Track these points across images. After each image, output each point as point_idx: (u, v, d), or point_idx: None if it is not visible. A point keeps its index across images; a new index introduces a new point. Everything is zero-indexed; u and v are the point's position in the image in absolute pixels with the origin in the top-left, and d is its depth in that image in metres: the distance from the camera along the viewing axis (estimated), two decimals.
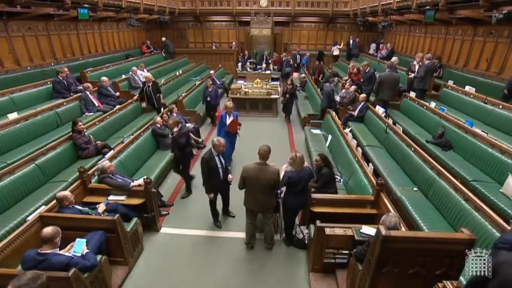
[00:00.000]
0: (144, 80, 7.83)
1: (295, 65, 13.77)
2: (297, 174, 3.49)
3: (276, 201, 3.70)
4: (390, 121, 6.03)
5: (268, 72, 11.79)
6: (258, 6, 14.31)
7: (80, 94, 6.79)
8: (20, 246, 2.87)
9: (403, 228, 2.90)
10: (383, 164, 4.94)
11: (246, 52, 14.58)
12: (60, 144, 4.78)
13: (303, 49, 14.88)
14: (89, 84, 6.92)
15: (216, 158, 3.84)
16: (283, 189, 3.64)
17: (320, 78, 11.06)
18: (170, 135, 5.95)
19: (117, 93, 7.58)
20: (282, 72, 13.05)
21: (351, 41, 13.67)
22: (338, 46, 13.80)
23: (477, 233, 2.88)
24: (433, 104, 6.26)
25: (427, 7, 7.69)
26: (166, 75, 10.73)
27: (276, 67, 12.73)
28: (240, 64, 13.33)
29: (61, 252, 2.72)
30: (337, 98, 8.40)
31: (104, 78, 7.30)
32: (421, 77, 6.76)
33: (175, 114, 6.68)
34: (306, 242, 3.76)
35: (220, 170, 3.91)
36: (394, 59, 7.31)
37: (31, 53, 7.83)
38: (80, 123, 5.00)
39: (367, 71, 8.02)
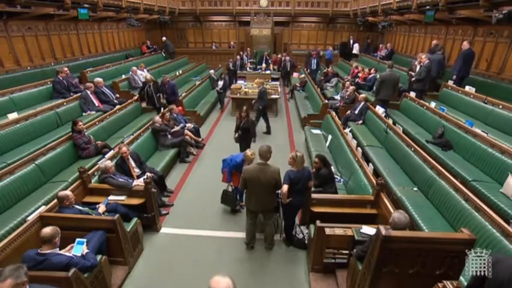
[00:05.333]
0: (143, 80, 7.85)
1: (308, 70, 12.34)
2: (298, 174, 3.49)
3: (276, 202, 3.70)
4: (390, 121, 6.03)
5: (268, 72, 11.78)
6: (258, 6, 14.32)
7: (80, 94, 6.79)
8: (20, 246, 2.87)
9: None
10: (383, 164, 4.93)
11: (238, 57, 12.50)
12: (60, 144, 4.78)
13: (308, 49, 14.74)
14: (91, 84, 6.91)
15: None
16: (285, 188, 3.47)
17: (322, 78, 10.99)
18: (169, 136, 5.97)
19: (117, 95, 7.56)
20: (281, 72, 12.74)
21: (351, 41, 13.70)
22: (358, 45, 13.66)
23: (477, 233, 2.87)
24: (433, 104, 6.25)
25: (427, 7, 7.68)
26: (166, 75, 10.73)
27: (276, 67, 12.70)
28: (221, 83, 9.34)
29: (61, 252, 2.72)
30: (337, 98, 8.43)
31: (98, 79, 7.18)
32: (424, 78, 6.76)
33: (175, 115, 6.70)
34: (306, 242, 3.75)
35: None
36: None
37: (31, 53, 7.83)
38: (80, 123, 4.99)
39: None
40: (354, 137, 6.08)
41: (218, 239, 4.04)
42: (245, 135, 5.77)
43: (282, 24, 15.25)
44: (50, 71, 7.73)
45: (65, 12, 7.89)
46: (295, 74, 12.84)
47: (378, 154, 5.32)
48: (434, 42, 8.29)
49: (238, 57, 12.73)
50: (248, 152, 3.98)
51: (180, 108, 7.39)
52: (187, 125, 6.70)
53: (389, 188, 4.22)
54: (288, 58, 12.49)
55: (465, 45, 6.50)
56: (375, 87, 6.92)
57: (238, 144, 5.92)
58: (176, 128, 6.24)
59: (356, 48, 13.58)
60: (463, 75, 6.70)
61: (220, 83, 9.42)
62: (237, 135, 5.84)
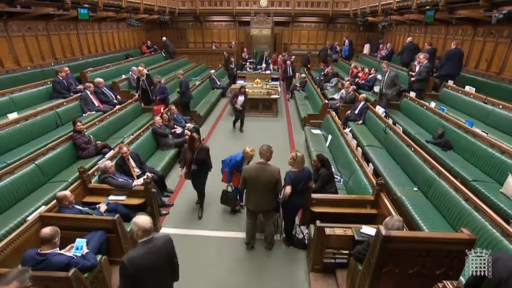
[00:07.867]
0: (138, 75, 7.75)
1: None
2: (298, 174, 3.48)
3: (276, 201, 3.70)
4: (390, 121, 6.04)
5: (268, 72, 11.78)
6: (258, 6, 14.32)
7: (80, 94, 6.79)
8: (20, 246, 2.87)
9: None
10: (383, 164, 4.94)
11: (233, 59, 12.15)
12: (60, 144, 4.78)
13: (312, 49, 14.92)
14: (91, 84, 6.91)
15: None
16: (288, 189, 3.44)
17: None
18: (170, 136, 5.98)
19: (118, 97, 7.54)
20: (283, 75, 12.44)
21: (346, 41, 13.69)
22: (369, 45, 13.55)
23: (477, 233, 2.88)
24: (433, 104, 6.26)
25: (427, 7, 7.68)
26: (166, 75, 10.73)
27: (276, 67, 12.68)
28: (242, 98, 7.36)
29: (61, 252, 2.72)
30: (337, 97, 8.43)
31: (99, 80, 7.16)
32: (424, 78, 6.77)
33: (175, 115, 6.70)
34: (306, 242, 3.76)
35: None
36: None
37: (31, 53, 7.83)
38: (79, 124, 4.99)
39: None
40: (354, 137, 6.08)
41: (218, 239, 4.04)
42: (200, 169, 4.18)
43: (282, 24, 15.24)
44: (50, 71, 7.72)
45: (65, 12, 7.87)
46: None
47: (378, 154, 5.32)
48: (409, 39, 8.65)
49: (233, 59, 12.14)
50: (247, 148, 3.99)
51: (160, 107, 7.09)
52: (187, 125, 6.70)
53: (389, 188, 4.22)
54: (289, 62, 11.98)
55: (452, 45, 6.86)
56: (384, 89, 6.94)
57: (238, 143, 5.60)
58: (177, 130, 6.23)
59: (367, 48, 13.50)
60: (450, 72, 6.97)
61: (241, 98, 7.27)
62: (188, 170, 4.17)
